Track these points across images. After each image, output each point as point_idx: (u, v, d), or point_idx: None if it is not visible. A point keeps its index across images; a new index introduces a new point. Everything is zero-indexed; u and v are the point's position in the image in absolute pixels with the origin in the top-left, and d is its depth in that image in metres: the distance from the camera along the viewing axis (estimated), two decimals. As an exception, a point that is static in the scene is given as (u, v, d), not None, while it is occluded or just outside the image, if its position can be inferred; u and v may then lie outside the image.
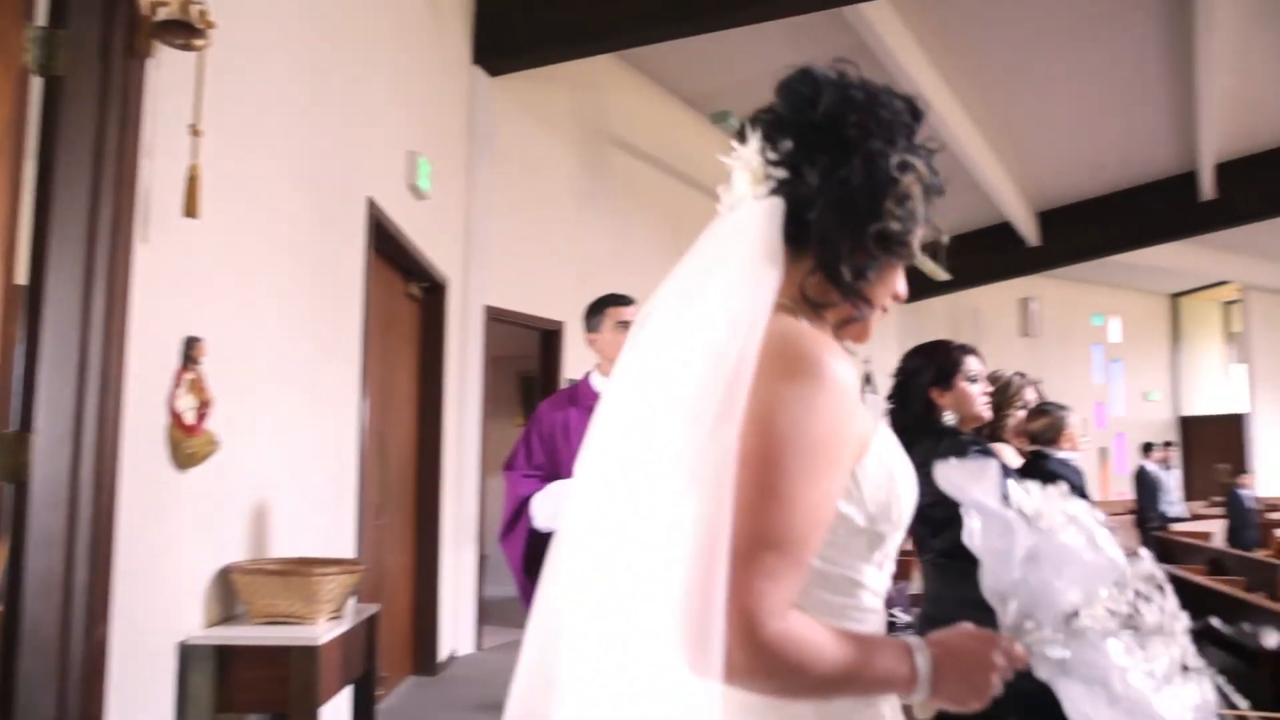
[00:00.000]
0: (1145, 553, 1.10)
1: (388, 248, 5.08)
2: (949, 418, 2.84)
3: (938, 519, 2.68)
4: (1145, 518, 10.92)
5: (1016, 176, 11.91)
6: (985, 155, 10.72)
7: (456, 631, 6.52)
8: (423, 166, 5.38)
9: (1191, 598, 4.92)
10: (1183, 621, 1.07)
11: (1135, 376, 18.27)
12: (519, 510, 3.03)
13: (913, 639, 1.06)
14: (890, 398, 2.95)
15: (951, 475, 1.15)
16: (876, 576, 1.14)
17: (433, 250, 5.79)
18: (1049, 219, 13.13)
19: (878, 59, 7.89)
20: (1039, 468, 2.98)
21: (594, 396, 3.15)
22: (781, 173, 1.12)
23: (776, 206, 1.11)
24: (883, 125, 1.13)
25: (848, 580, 1.10)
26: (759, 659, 0.94)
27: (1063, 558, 1.07)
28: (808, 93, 1.14)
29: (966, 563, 2.71)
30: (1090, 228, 12.78)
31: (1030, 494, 1.13)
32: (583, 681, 1.03)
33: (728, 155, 1.20)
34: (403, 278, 5.70)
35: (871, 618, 1.13)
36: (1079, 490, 2.93)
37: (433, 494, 6.12)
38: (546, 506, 2.99)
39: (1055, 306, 16.38)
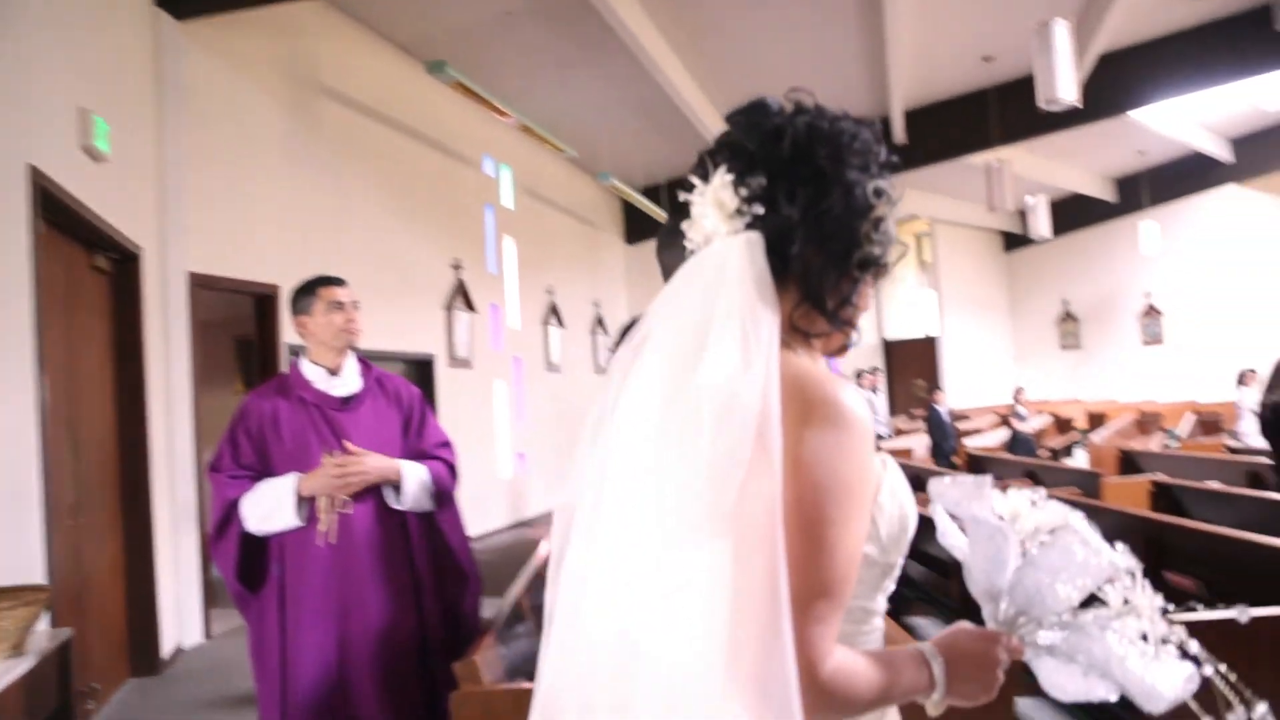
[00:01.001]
0: (1120, 545, 1.18)
1: (62, 219, 4.54)
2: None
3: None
4: (856, 439, 11.88)
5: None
6: (701, 102, 11.04)
7: (181, 623, 6.10)
8: (99, 125, 4.83)
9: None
10: (1153, 601, 1.15)
11: (844, 306, 19.63)
12: (228, 514, 2.82)
13: (925, 646, 1.13)
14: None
15: (949, 493, 1.22)
16: (883, 601, 1.19)
17: (120, 218, 5.24)
18: (762, 162, 13.76)
19: (596, 10, 7.88)
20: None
21: (306, 386, 2.97)
22: (757, 208, 1.11)
23: (755, 242, 1.10)
24: (855, 154, 1.13)
25: (863, 610, 1.16)
26: (819, 700, 0.99)
27: (1061, 562, 1.15)
28: (771, 126, 1.14)
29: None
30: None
31: (1008, 499, 1.21)
32: None
33: (690, 193, 1.17)
34: (85, 250, 5.12)
35: (877, 636, 1.19)
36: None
37: (140, 480, 5.64)
38: (258, 508, 2.79)
39: (772, 243, 17.22)
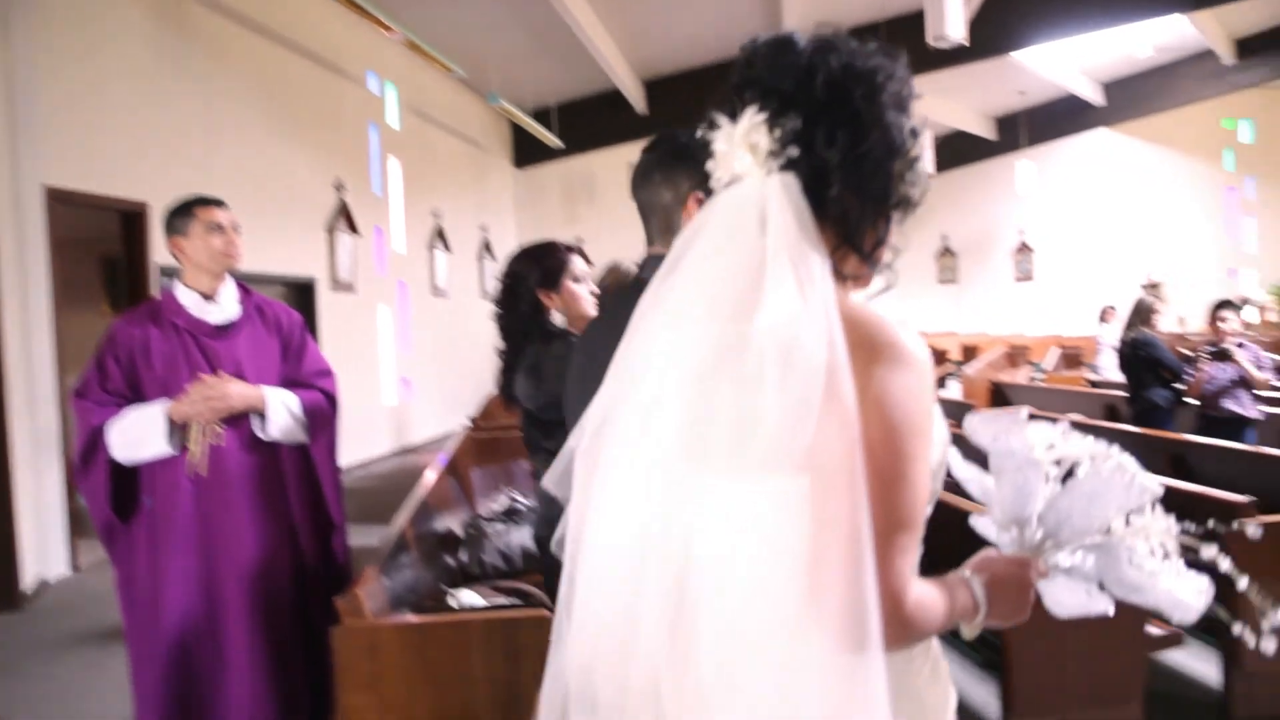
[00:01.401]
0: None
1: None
2: (558, 319, 2.88)
3: (549, 421, 2.74)
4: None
5: (623, 45, 12.19)
6: (593, 24, 10.83)
7: (44, 555, 5.84)
8: (-61, 22, 4.43)
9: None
10: (1169, 523, 1.23)
11: (732, 236, 19.85)
12: (94, 441, 2.69)
13: (966, 572, 1.19)
14: (498, 302, 2.92)
15: (984, 428, 1.27)
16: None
17: (-35, 124, 4.86)
18: (655, 88, 13.67)
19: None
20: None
21: (179, 312, 2.83)
22: (792, 150, 1.07)
23: (792, 184, 1.07)
24: (891, 95, 1.11)
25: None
26: (903, 630, 1.03)
27: (1101, 487, 1.21)
28: (803, 64, 1.09)
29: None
30: (692, 96, 13.43)
31: (1039, 432, 1.26)
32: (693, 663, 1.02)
33: (715, 133, 1.13)
34: (-73, 158, 4.75)
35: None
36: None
37: (-5, 407, 5.34)
38: (127, 435, 2.67)
39: (662, 171, 17.16)
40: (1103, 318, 12.09)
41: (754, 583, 1.00)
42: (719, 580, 1.01)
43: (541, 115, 13.66)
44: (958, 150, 18.71)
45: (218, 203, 2.88)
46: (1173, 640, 3.17)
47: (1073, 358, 14.54)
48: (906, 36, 11.31)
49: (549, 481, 1.24)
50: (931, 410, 1.08)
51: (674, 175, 1.74)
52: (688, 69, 13.29)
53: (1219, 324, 5.95)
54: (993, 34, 11.33)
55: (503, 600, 3.10)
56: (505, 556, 3.80)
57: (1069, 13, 11.41)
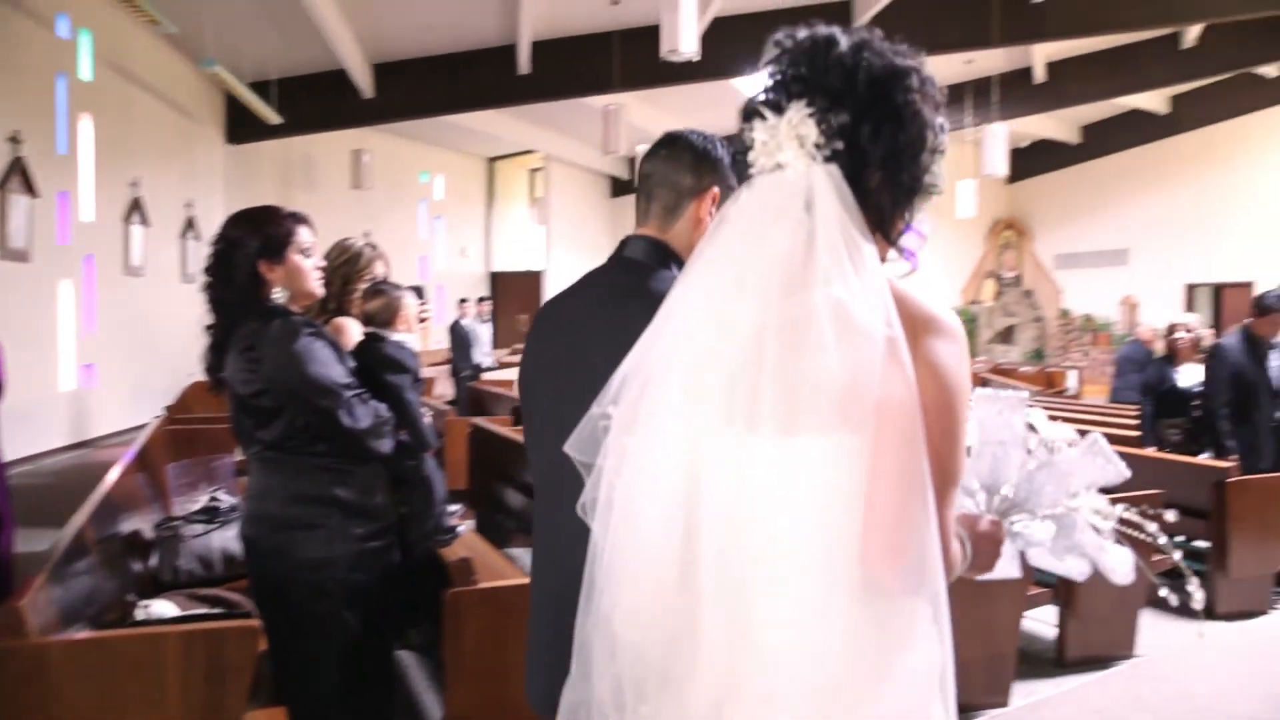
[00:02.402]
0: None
1: None
2: (279, 295, 2.60)
3: (265, 409, 2.47)
4: (458, 368, 11.87)
5: (355, 24, 11.64)
6: (325, -2, 10.27)
7: None
8: None
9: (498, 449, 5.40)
10: (1099, 501, 1.45)
11: (455, 233, 19.67)
12: None
13: (959, 530, 1.27)
14: (209, 270, 2.60)
15: (988, 404, 1.43)
16: None
17: None
18: (385, 72, 13.13)
19: None
20: (374, 350, 2.89)
21: None
22: (837, 143, 1.17)
23: (836, 174, 1.17)
24: (926, 93, 1.22)
25: None
26: (947, 575, 1.14)
27: (1075, 466, 1.43)
28: (848, 63, 1.19)
29: (295, 455, 2.54)
30: (423, 86, 13.10)
31: (1031, 415, 1.46)
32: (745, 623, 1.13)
33: (755, 123, 1.23)
34: None
35: None
36: (413, 373, 2.91)
37: None
38: None
39: (386, 160, 16.67)
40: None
41: (807, 534, 1.11)
42: (769, 533, 1.12)
43: (260, 88, 12.75)
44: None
45: None
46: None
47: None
48: (641, 48, 11.59)
49: (571, 447, 1.27)
50: (969, 375, 1.22)
51: (702, 166, 1.76)
52: (421, 56, 12.89)
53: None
54: (719, 56, 11.78)
55: (202, 610, 2.77)
56: (204, 561, 3.43)
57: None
